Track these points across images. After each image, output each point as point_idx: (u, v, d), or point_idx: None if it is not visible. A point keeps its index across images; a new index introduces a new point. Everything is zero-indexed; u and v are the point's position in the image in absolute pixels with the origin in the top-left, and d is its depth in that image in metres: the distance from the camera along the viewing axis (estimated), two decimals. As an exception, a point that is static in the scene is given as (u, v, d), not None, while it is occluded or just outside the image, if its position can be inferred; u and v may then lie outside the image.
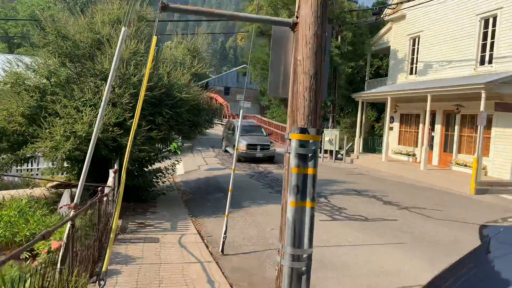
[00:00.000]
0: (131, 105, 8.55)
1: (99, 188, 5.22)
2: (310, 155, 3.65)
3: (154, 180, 10.94)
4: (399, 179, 15.28)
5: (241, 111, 6.03)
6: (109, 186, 6.72)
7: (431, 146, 17.28)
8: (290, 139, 3.72)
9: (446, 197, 12.01)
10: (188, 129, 10.38)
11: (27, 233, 4.96)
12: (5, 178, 10.19)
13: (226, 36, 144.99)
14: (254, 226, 7.85)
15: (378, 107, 27.75)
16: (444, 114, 17.28)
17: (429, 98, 15.71)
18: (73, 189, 9.82)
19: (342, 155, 21.54)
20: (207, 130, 12.13)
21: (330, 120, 22.15)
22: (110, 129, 8.21)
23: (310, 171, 3.67)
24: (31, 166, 13.88)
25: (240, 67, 54.78)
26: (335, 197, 10.91)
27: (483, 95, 13.08)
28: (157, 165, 11.10)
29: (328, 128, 22.05)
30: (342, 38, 20.74)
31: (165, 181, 11.39)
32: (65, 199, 6.22)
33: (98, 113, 8.61)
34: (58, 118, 8.19)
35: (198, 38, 10.77)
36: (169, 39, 17.25)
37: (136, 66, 8.99)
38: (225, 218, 6.09)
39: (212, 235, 7.37)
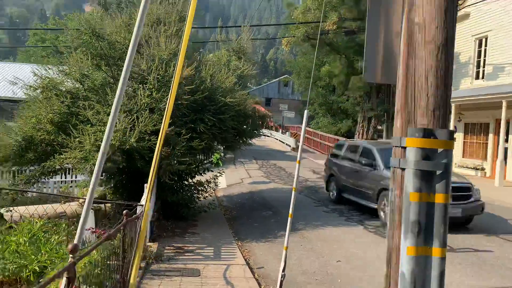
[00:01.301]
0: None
1: (124, 212, 4.09)
2: (439, 172, 2.30)
3: (195, 195, 9.85)
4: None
5: (305, 118, 4.65)
6: (141, 205, 5.62)
7: (505, 158, 15.13)
8: (403, 147, 2.38)
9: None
10: (232, 138, 9.21)
11: (36, 267, 3.90)
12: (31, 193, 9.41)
13: (266, 48, 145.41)
14: (315, 256, 6.46)
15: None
16: (520, 122, 15.11)
17: (504, 104, 13.70)
18: (107, 206, 8.90)
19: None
20: (252, 140, 10.96)
21: (385, 130, 20.37)
22: (147, 137, 7.18)
23: (439, 198, 2.30)
24: (71, 178, 13.28)
25: (283, 77, 53.75)
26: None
27: None
28: (197, 178, 10.02)
29: (382, 138, 20.26)
30: (397, 41, 19.04)
31: (206, 196, 10.27)
32: (88, 221, 5.23)
33: (133, 120, 7.69)
34: (90, 125, 7.28)
35: (243, 34, 9.64)
36: (212, 46, 16.38)
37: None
38: (284, 251, 4.78)
39: (263, 267, 6.06)
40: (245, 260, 6.24)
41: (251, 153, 23.39)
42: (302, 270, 5.86)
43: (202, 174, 9.75)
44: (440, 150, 2.30)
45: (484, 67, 17.05)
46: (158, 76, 7.67)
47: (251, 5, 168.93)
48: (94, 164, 6.73)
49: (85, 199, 6.77)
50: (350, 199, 10.44)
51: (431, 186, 2.31)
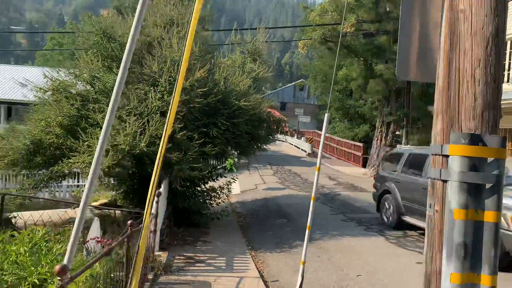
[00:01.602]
0: (181, 114, 7.23)
1: (129, 222, 3.80)
2: (489, 185, 1.92)
3: (207, 201, 9.56)
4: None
5: (325, 122, 4.29)
6: (150, 213, 5.33)
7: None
8: (445, 155, 2.02)
9: None
10: (246, 143, 8.90)
11: (36, 279, 3.64)
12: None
13: (282, 52, 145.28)
14: (333, 269, 6.06)
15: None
16: (549, 128, 14.38)
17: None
18: (116, 212, 8.67)
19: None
20: (266, 146, 10.65)
21: (403, 136, 19.75)
22: (158, 142, 6.91)
23: (489, 216, 1.93)
24: (83, 182, 13.16)
25: (298, 81, 53.38)
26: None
27: None
28: (210, 183, 9.73)
29: (400, 144, 19.65)
30: (416, 44, 18.48)
31: (219, 203, 9.97)
32: (94, 229, 4.94)
33: (143, 123, 7.45)
34: (99, 129, 7.05)
35: (258, 35, 9.33)
36: (227, 49, 16.15)
37: (189, 69, 7.71)
38: (301, 266, 4.41)
39: (278, 280, 5.70)
40: (259, 272, 5.89)
41: (265, 159, 23.07)
42: (319, 284, 5.48)
43: (215, 180, 9.45)
44: (490, 159, 1.93)
45: (509, 70, 16.36)
46: (170, 79, 7.42)
47: (266, 9, 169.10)
48: (102, 169, 6.51)
49: (72, 204, 6.42)
50: (415, 224, 7.95)
51: (479, 201, 1.94)
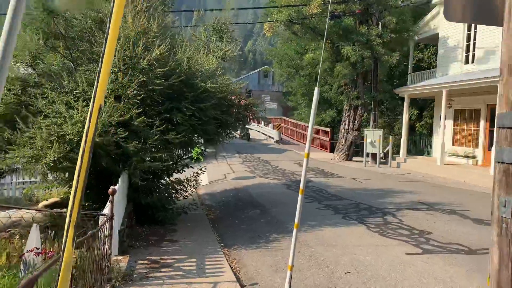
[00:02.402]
0: (139, 98, 6.34)
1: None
2: None
3: (173, 195, 8.74)
4: (466, 186, 12.63)
5: (315, 98, 3.61)
6: (104, 214, 4.48)
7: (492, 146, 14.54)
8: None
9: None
10: (214, 131, 8.11)
11: None
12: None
13: (244, 39, 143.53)
14: (317, 266, 5.45)
15: (419, 105, 25.00)
16: (514, 107, 14.47)
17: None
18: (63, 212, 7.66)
19: (385, 159, 18.95)
20: (236, 133, 9.90)
21: (372, 119, 19.54)
22: (112, 130, 6.01)
23: None
24: (28, 179, 11.88)
25: (264, 67, 52.66)
26: (405, 214, 8.42)
27: None
28: (176, 176, 8.90)
29: (369, 128, 19.46)
30: (383, 25, 18.17)
31: (187, 196, 9.16)
32: (33, 239, 4.00)
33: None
34: (42, 117, 6.04)
35: (224, 11, 8.49)
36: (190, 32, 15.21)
37: (146, 47, 6.79)
38: (288, 272, 3.73)
39: (257, 283, 5.02)
40: (235, 274, 5.19)
41: (233, 147, 22.33)
42: (305, 285, 4.85)
43: (181, 172, 8.62)
44: None
45: (474, 51, 16.38)
46: (125, 58, 6.48)
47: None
48: (46, 164, 5.54)
49: (22, 208, 5.39)
50: None
51: None
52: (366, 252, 5.95)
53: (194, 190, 9.73)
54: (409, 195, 10.71)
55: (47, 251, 4.04)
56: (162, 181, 8.50)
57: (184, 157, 9.19)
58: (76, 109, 5.89)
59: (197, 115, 7.12)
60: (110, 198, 4.47)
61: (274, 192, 11.46)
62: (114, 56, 6.47)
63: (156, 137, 6.36)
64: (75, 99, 6.14)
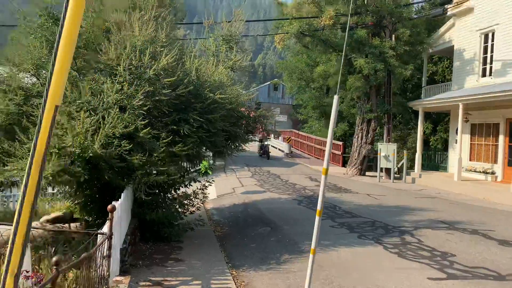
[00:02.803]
0: (145, 108, 6.04)
1: (53, 259, 2.61)
2: None
3: (180, 209, 8.38)
4: (485, 204, 12.05)
5: (334, 105, 3.27)
6: (102, 233, 4.13)
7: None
8: None
9: None
10: (223, 143, 7.78)
11: None
12: None
13: (255, 53, 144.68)
14: (333, 292, 5.02)
15: (433, 119, 24.44)
16: (535, 122, 13.93)
17: (521, 102, 12.52)
18: (72, 225, 7.39)
19: (399, 173, 18.40)
20: (245, 145, 9.60)
21: (385, 133, 19.05)
22: (116, 142, 5.71)
23: None
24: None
25: (274, 80, 52.68)
26: (424, 234, 7.94)
27: None
28: (182, 189, 8.56)
29: (383, 142, 18.97)
30: (397, 37, 17.82)
31: (193, 211, 8.80)
32: (24, 260, 3.73)
33: (99, 120, 6.21)
34: (43, 128, 5.76)
35: (234, 19, 8.23)
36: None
37: (153, 57, 6.54)
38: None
39: (268, 311, 4.60)
40: (243, 300, 4.78)
41: (242, 160, 21.98)
42: (319, 314, 4.42)
43: (188, 186, 8.28)
44: None
45: (491, 63, 15.91)
46: (131, 67, 6.22)
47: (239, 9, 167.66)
48: (45, 177, 5.25)
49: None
50: None
51: None
52: (385, 276, 5.50)
53: (201, 204, 9.36)
54: (426, 213, 10.20)
55: (39, 274, 3.69)
56: (168, 195, 8.16)
57: (191, 170, 8.83)
58: (78, 119, 5.61)
59: (205, 127, 6.79)
60: (109, 215, 4.13)
61: (285, 208, 11.04)
62: (119, 64, 6.22)
63: (162, 149, 6.04)
64: (77, 110, 5.86)
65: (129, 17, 7.28)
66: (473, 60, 16.84)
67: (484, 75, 16.37)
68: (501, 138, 15.38)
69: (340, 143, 23.02)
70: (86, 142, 5.48)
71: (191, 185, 8.36)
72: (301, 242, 7.32)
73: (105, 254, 4.06)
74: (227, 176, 17.82)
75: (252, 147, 33.18)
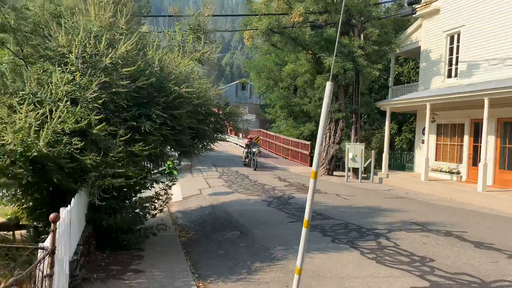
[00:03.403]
0: (100, 102, 5.36)
1: None
2: None
3: (141, 213, 7.68)
4: (453, 204, 12.08)
5: (327, 92, 2.87)
6: (43, 248, 3.45)
7: (476, 161, 14.13)
8: None
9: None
10: (189, 142, 7.17)
11: None
12: None
13: (222, 52, 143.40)
14: (311, 307, 4.55)
15: (398, 119, 24.76)
16: (499, 122, 14.19)
17: (486, 102, 12.66)
18: (17, 233, 6.57)
19: (366, 173, 18.37)
20: (212, 145, 9.04)
21: (353, 133, 18.98)
22: (65, 139, 4.98)
23: None
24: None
25: (242, 79, 52.23)
26: (399, 236, 7.67)
27: None
28: (144, 191, 7.88)
29: (350, 142, 18.89)
30: (365, 37, 17.76)
31: (155, 214, 8.13)
32: None
33: (46, 114, 5.46)
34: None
35: (203, 9, 7.63)
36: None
37: (111, 44, 5.85)
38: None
39: (240, 332, 4.06)
40: (212, 318, 4.23)
41: (209, 160, 21.33)
42: (298, 334, 3.93)
43: (150, 188, 7.61)
44: None
45: (457, 64, 16.13)
46: (85, 55, 5.51)
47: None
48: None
49: None
50: None
51: None
52: (365, 285, 5.10)
53: (165, 206, 8.70)
54: (398, 214, 10.01)
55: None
56: (128, 198, 7.45)
57: (154, 171, 8.15)
58: (21, 113, 4.85)
59: (169, 124, 6.17)
60: (52, 226, 3.46)
61: (255, 210, 10.54)
62: (71, 52, 5.50)
63: (120, 148, 5.37)
64: (20, 102, 5.09)
65: (85, 2, 6.57)
66: (439, 61, 17.04)
67: (450, 76, 16.59)
68: (466, 138, 15.62)
69: (308, 142, 22.82)
70: (29, 139, 4.73)
71: (153, 187, 7.69)
72: (272, 248, 6.84)
73: (46, 273, 3.39)
74: (193, 177, 17.12)
75: (221, 146, 32.45)
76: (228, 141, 34.26)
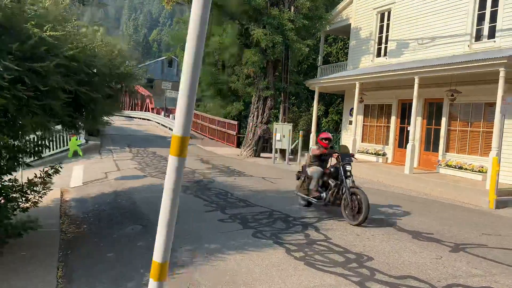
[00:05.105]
0: None
1: None
2: None
3: (9, 204, 5.78)
4: (381, 187, 11.56)
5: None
6: None
7: (402, 143, 13.88)
8: None
9: (474, 217, 8.38)
10: (67, 110, 5.34)
11: None
12: None
13: (149, 29, 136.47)
14: None
15: (325, 101, 24.39)
16: (425, 103, 13.97)
17: (416, 82, 12.21)
18: None
19: (293, 155, 17.58)
20: (111, 119, 7.31)
21: (281, 112, 17.98)
22: None
23: None
24: None
25: (167, 53, 49.22)
26: (330, 227, 6.65)
27: (502, 74, 9.79)
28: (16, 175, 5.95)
29: (278, 122, 17.88)
30: (296, 9, 16.64)
31: (27, 208, 6.21)
32: None
33: None
34: None
35: None
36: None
37: None
38: None
39: None
40: None
41: (124, 140, 19.14)
42: None
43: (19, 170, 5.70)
44: None
45: (386, 43, 15.69)
46: None
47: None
48: None
49: None
50: None
51: None
52: (292, 300, 3.87)
53: (44, 194, 6.74)
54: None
55: None
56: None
57: (48, 153, 6.17)
58: None
59: (28, 82, 4.34)
60: None
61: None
62: None
63: None
64: None
65: None
66: (369, 39, 16.51)
67: (379, 55, 16.14)
68: (393, 119, 15.33)
69: (235, 122, 21.53)
70: None
71: (29, 167, 5.80)
72: (177, 248, 5.37)
73: None
74: (102, 158, 14.95)
75: (141, 125, 30.10)
76: (148, 120, 31.86)
